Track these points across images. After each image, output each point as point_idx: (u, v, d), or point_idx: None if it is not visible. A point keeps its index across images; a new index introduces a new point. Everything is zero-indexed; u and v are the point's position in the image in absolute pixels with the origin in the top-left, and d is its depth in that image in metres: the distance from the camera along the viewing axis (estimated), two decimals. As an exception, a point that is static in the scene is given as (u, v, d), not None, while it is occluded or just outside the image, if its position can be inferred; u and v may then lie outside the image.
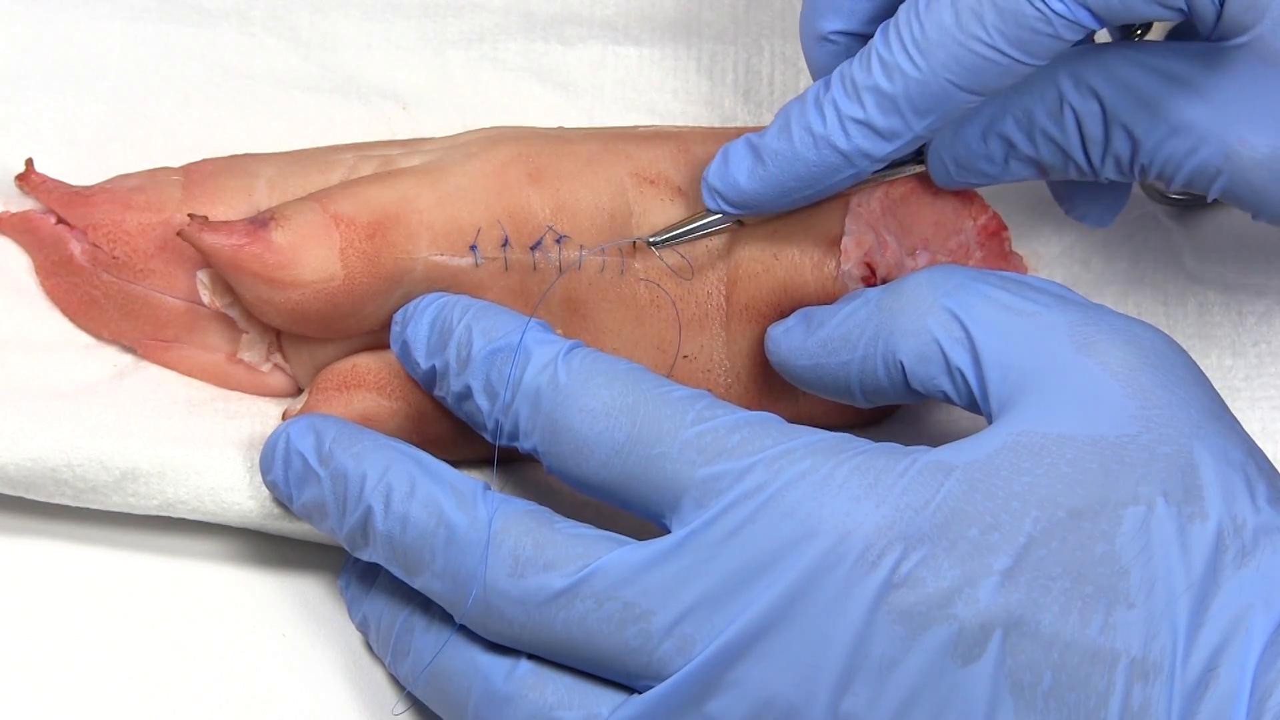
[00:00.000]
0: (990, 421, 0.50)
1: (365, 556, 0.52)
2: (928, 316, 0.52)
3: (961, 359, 0.51)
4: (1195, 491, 0.47)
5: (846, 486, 0.47)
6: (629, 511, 0.50)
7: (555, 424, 0.51)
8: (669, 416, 0.50)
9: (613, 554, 0.48)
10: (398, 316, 0.55)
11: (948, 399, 0.52)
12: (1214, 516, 0.47)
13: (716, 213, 0.56)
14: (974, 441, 0.49)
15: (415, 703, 0.54)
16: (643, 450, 0.49)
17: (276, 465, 0.54)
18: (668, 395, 0.50)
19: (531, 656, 0.50)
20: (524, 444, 0.52)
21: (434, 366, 0.54)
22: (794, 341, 0.55)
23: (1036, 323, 0.51)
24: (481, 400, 0.52)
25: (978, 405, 0.51)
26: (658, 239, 0.56)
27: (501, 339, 0.52)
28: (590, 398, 0.50)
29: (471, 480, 0.51)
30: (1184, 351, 0.51)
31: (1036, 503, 0.47)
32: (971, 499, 0.47)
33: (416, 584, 0.51)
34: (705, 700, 0.48)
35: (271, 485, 0.55)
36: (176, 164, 0.60)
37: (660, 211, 0.57)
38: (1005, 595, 0.46)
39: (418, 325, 0.54)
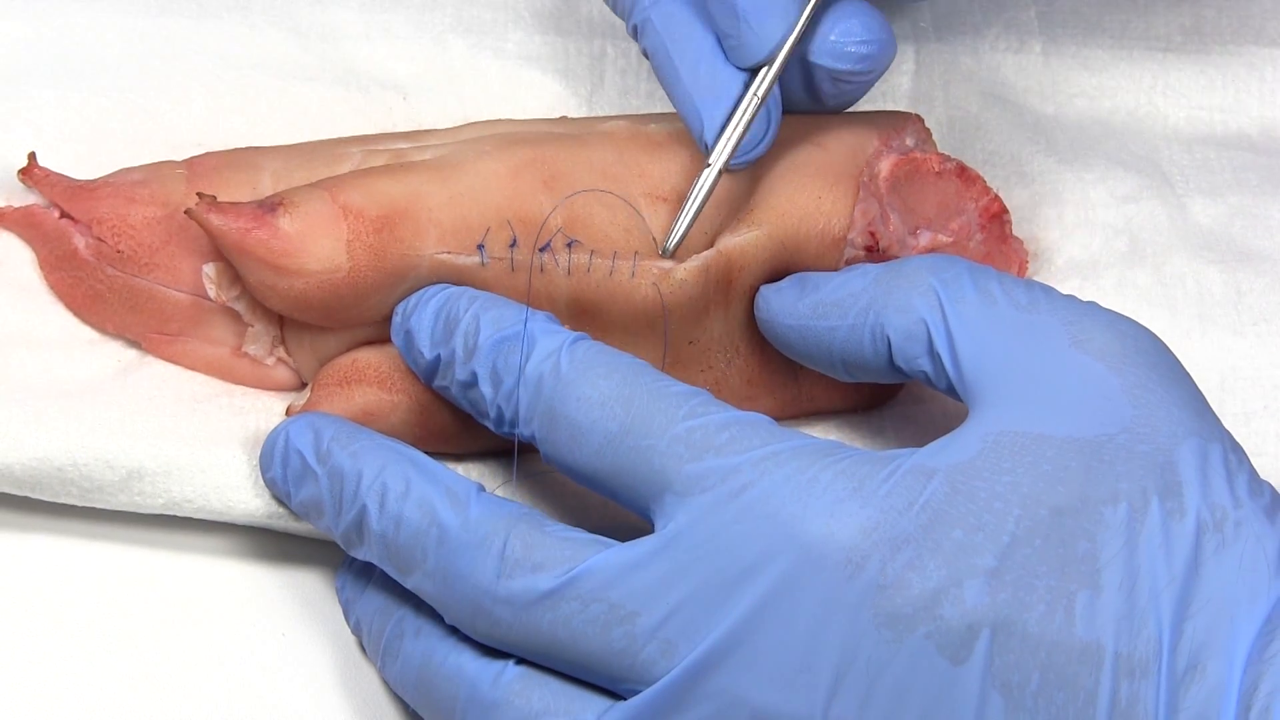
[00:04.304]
0: (969, 408, 0.50)
1: (360, 555, 0.52)
2: (919, 296, 0.52)
3: (942, 343, 0.51)
4: (1175, 487, 0.47)
5: (831, 489, 0.47)
6: (617, 502, 0.51)
7: (553, 411, 0.51)
8: (663, 410, 0.50)
9: (599, 556, 0.48)
10: (400, 308, 0.55)
11: (928, 381, 0.52)
12: (1193, 511, 0.47)
13: (707, 166, 0.56)
14: (956, 441, 0.49)
15: (406, 706, 0.54)
16: (633, 441, 0.49)
17: (275, 463, 0.54)
18: (665, 390, 0.50)
19: (519, 661, 0.50)
20: (523, 431, 0.52)
21: (438, 356, 0.54)
22: (785, 301, 0.56)
23: (1027, 317, 0.51)
24: (485, 388, 0.53)
25: (955, 391, 0.51)
26: (671, 243, 0.56)
27: (509, 328, 0.52)
28: (589, 387, 0.50)
29: (466, 481, 0.51)
30: (1168, 349, 0.51)
31: (1019, 502, 0.47)
32: (954, 500, 0.47)
33: (409, 583, 0.51)
34: (691, 707, 0.47)
35: (270, 483, 0.55)
36: (177, 156, 0.60)
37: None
38: (991, 595, 0.46)
39: (421, 315, 0.54)
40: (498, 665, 0.50)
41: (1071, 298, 0.52)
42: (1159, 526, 0.47)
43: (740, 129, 0.55)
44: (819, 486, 0.47)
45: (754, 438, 0.49)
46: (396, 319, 0.56)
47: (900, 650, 0.46)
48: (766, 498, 0.47)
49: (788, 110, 0.58)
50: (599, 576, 0.48)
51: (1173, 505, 0.47)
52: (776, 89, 0.56)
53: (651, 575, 0.48)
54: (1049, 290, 0.52)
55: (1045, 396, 0.49)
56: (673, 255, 0.56)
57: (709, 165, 0.56)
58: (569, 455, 0.51)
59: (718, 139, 0.56)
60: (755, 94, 0.56)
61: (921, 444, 0.49)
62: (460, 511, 0.50)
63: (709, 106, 0.55)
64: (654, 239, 0.56)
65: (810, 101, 0.58)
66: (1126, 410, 0.49)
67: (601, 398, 0.50)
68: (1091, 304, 0.52)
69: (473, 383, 0.53)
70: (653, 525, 0.49)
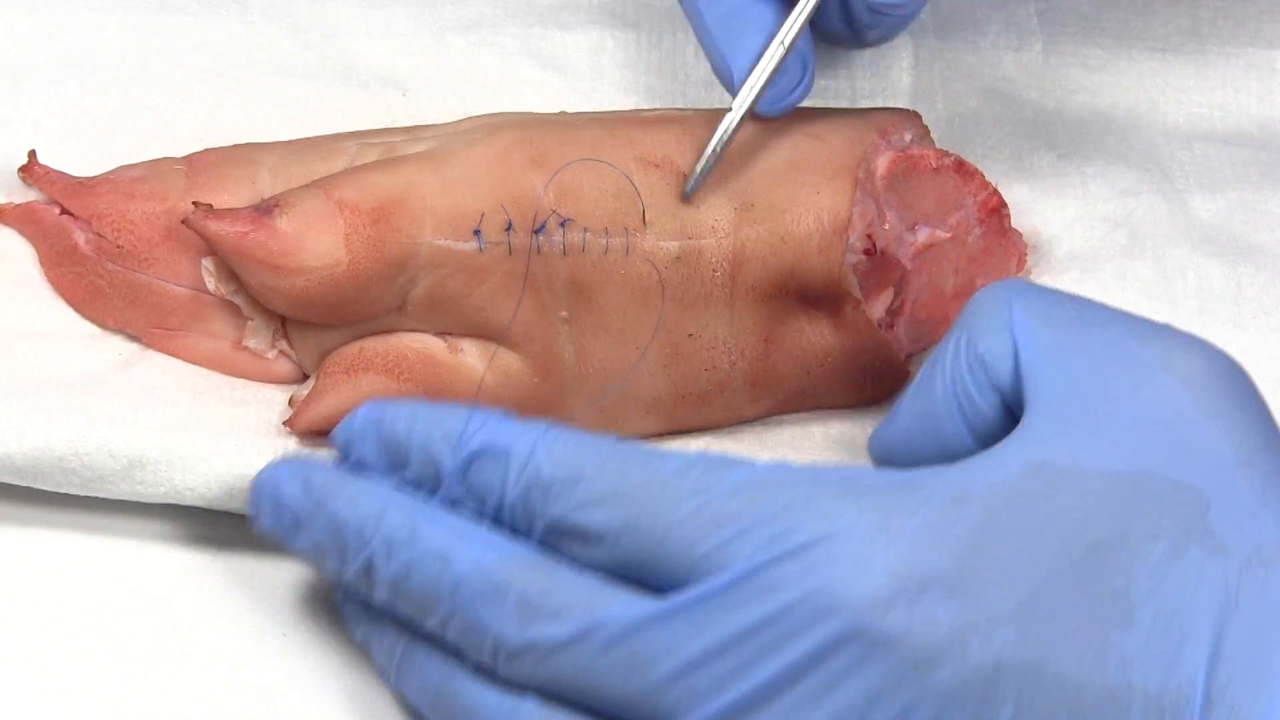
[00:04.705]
0: (1020, 417, 0.49)
1: (373, 599, 0.51)
2: (999, 308, 0.50)
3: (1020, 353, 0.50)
4: (1221, 524, 0.46)
5: (855, 529, 0.46)
6: (643, 586, 0.48)
7: (552, 520, 0.49)
8: (663, 496, 0.47)
9: (619, 602, 0.47)
10: (338, 439, 0.52)
11: (1016, 396, 0.50)
12: (1237, 549, 0.46)
13: (732, 107, 0.55)
14: (998, 458, 0.47)
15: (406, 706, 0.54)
16: (642, 536, 0.47)
17: (264, 511, 0.52)
18: (659, 472, 0.48)
19: (539, 691, 0.48)
20: (528, 537, 0.50)
21: (400, 479, 0.51)
22: (891, 413, 0.53)
23: (1098, 334, 0.50)
24: (469, 504, 0.50)
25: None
26: (689, 187, 0.55)
27: (471, 444, 0.50)
28: (581, 489, 0.48)
29: (471, 524, 0.50)
30: (1244, 373, 0.50)
31: (1055, 535, 0.45)
32: (989, 532, 0.45)
33: (427, 627, 0.50)
34: None
35: (262, 528, 0.53)
36: (177, 153, 0.61)
37: (666, 194, 0.57)
38: (1020, 633, 0.45)
39: (364, 448, 0.52)
40: (515, 696, 0.48)
41: (1147, 320, 0.51)
42: (1199, 565, 0.45)
43: (770, 67, 0.54)
44: (841, 531, 0.46)
45: (764, 497, 0.47)
46: (339, 442, 0.52)
47: (927, 691, 0.45)
48: (788, 549, 0.46)
49: (829, 42, 0.57)
50: (619, 624, 0.47)
51: (1215, 543, 0.46)
52: (809, 34, 0.55)
53: (672, 627, 0.46)
54: (1123, 311, 0.51)
55: (1101, 418, 0.48)
56: (690, 199, 0.55)
57: (732, 108, 0.55)
58: (581, 556, 0.49)
59: (744, 80, 0.55)
60: (790, 26, 0.55)
61: None
62: (471, 554, 0.48)
63: (735, 49, 0.55)
64: (644, 206, 0.56)
65: (850, 35, 0.57)
66: (1181, 439, 0.47)
67: (598, 497, 0.48)
68: (1166, 325, 0.50)
69: (455, 502, 0.50)
70: None
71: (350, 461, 0.52)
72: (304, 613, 0.57)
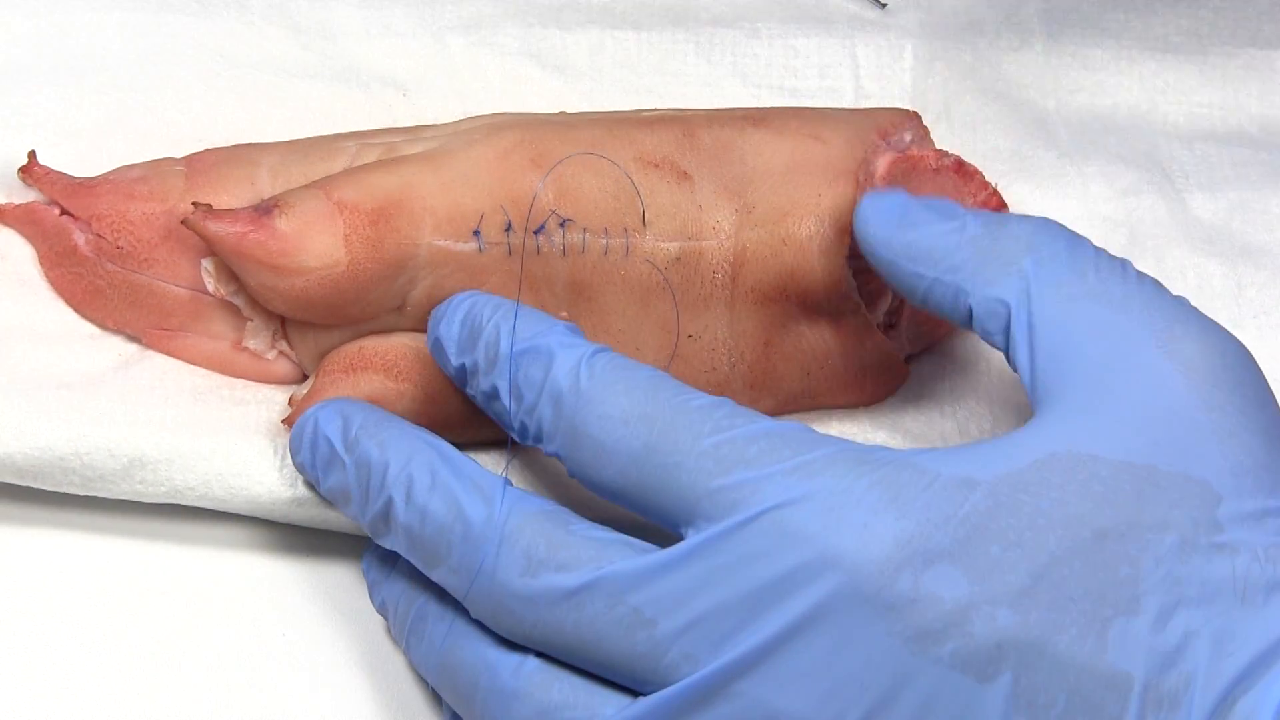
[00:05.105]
0: (1033, 407, 0.49)
1: (387, 544, 0.52)
2: (1010, 276, 0.51)
3: (1021, 334, 0.50)
4: (1230, 520, 0.46)
5: (865, 500, 0.46)
6: (648, 519, 0.50)
7: (575, 429, 0.50)
8: (686, 426, 0.49)
9: (624, 558, 0.48)
10: (432, 314, 0.55)
11: (1006, 357, 0.51)
12: (1246, 547, 0.46)
13: None
14: (1009, 447, 0.48)
15: (432, 692, 0.54)
16: (659, 460, 0.49)
17: (304, 448, 0.54)
18: (687, 404, 0.49)
19: (540, 654, 0.49)
20: (547, 447, 0.51)
21: (464, 365, 0.53)
22: (883, 229, 0.54)
23: (1116, 318, 0.50)
24: (508, 401, 0.52)
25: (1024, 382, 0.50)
26: None
27: (528, 340, 0.52)
28: (610, 404, 0.50)
29: (493, 476, 0.51)
30: (1256, 366, 0.50)
31: (1062, 521, 0.46)
32: (995, 515, 0.46)
33: (434, 577, 0.51)
34: (708, 709, 0.47)
35: (299, 467, 0.55)
36: (178, 153, 0.61)
37: (666, 194, 0.57)
38: (1023, 614, 0.45)
39: (450, 323, 0.54)
40: (519, 654, 0.49)
41: (1167, 294, 0.51)
42: (1206, 559, 0.46)
43: None
44: (853, 498, 0.46)
45: (785, 449, 0.48)
46: (430, 323, 0.55)
47: (926, 665, 0.45)
48: (798, 511, 0.46)
49: None
50: (623, 580, 0.47)
51: (1224, 539, 0.46)
52: None
53: (676, 583, 0.47)
54: (1144, 282, 0.51)
55: (1113, 411, 0.48)
56: None
57: None
58: (594, 474, 0.50)
59: None
60: None
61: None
62: (486, 507, 0.50)
63: None
64: (644, 207, 0.56)
65: None
66: (1195, 434, 0.47)
67: (623, 415, 0.49)
68: (1184, 304, 0.51)
69: (495, 395, 0.52)
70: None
71: (434, 337, 0.54)
72: (304, 613, 0.57)
